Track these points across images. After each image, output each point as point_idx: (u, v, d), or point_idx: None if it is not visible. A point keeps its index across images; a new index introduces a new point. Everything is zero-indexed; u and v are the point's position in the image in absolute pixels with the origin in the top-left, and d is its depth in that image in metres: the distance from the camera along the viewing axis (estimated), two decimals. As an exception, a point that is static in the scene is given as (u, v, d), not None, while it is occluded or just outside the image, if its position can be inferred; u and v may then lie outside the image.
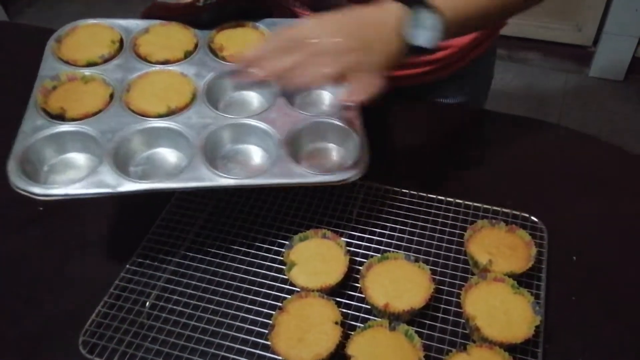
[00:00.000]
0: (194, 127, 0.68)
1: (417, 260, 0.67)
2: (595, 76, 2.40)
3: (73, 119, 0.68)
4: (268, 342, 0.60)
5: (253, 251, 0.71)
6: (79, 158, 0.68)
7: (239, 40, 0.78)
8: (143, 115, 0.69)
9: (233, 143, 0.71)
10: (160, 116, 0.69)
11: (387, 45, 0.60)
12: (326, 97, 0.78)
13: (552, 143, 0.88)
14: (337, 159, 0.71)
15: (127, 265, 0.69)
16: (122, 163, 0.65)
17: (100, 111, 0.69)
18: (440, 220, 0.74)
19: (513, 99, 2.29)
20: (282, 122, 0.70)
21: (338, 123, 0.71)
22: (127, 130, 0.67)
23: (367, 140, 0.68)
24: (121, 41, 0.78)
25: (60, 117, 0.69)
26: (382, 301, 0.62)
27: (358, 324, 0.64)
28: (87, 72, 0.73)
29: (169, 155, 0.69)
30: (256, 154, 0.70)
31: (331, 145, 0.72)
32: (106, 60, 0.75)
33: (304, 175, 0.65)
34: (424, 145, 0.75)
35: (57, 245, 0.74)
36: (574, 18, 2.33)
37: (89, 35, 0.78)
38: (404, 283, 0.63)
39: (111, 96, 0.71)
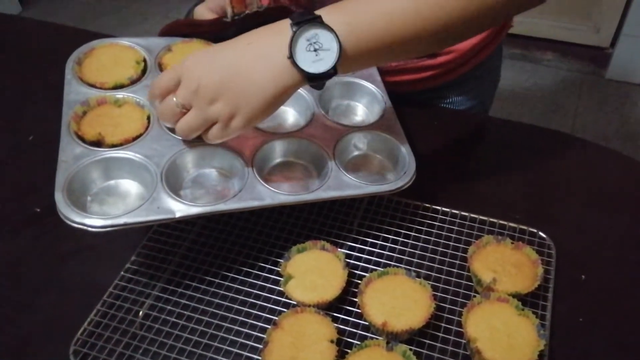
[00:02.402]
0: (241, 144, 0.68)
1: (418, 275, 0.65)
2: (612, 78, 2.35)
3: (113, 145, 0.67)
4: (261, 359, 0.58)
5: (250, 261, 0.69)
6: (125, 185, 0.67)
7: None
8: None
9: (284, 157, 0.72)
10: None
11: (270, 81, 0.58)
12: (359, 107, 0.80)
13: (564, 154, 0.85)
14: (378, 167, 0.73)
15: (122, 273, 0.68)
16: (173, 187, 0.64)
17: (140, 135, 0.68)
18: (444, 233, 0.72)
19: (527, 100, 2.25)
20: (324, 136, 0.70)
21: (379, 132, 0.72)
22: (176, 153, 0.66)
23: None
24: (144, 61, 0.76)
25: (98, 144, 0.67)
26: (380, 319, 0.60)
27: (355, 341, 0.62)
28: (118, 95, 0.72)
29: (217, 174, 0.69)
30: (298, 168, 0.71)
31: (371, 154, 0.73)
32: (133, 82, 0.74)
33: (359, 186, 0.66)
34: (429, 154, 0.72)
35: (51, 248, 0.72)
36: (592, 19, 2.29)
37: (111, 56, 0.76)
38: (403, 301, 0.61)
39: (148, 118, 0.70)
